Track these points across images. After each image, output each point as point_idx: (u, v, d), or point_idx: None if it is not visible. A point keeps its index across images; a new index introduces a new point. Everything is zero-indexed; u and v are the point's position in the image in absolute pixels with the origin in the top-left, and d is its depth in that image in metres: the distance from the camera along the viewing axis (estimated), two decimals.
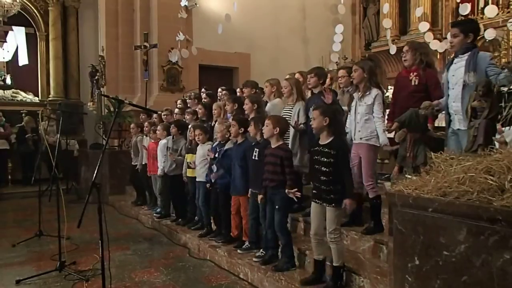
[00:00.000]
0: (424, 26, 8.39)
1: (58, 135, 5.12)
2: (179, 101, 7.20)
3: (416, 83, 3.97)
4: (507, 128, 3.25)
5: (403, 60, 4.17)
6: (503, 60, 7.74)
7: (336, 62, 10.10)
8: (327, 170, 3.21)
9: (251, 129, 4.06)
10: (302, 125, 4.29)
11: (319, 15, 11.17)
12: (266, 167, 3.75)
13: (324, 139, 3.28)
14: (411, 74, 4.00)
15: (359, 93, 3.77)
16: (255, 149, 4.03)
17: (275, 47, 10.52)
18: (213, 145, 4.78)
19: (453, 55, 3.67)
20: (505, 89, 3.53)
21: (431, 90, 3.94)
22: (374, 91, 3.70)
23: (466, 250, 1.88)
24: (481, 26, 7.83)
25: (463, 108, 3.33)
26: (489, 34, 7.46)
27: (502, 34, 7.89)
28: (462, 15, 8.74)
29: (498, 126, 3.04)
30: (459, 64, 3.45)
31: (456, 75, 3.46)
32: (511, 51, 7.99)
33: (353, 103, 3.85)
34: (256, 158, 3.99)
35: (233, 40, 10.07)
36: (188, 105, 6.59)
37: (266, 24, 10.47)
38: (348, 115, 3.99)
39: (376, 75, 3.87)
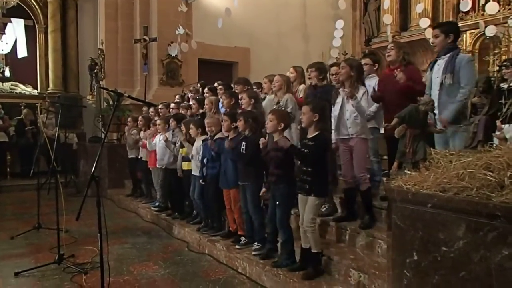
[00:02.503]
0: (424, 22, 8.37)
1: (57, 128, 5.10)
2: (177, 96, 7.19)
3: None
4: (507, 125, 3.26)
5: (386, 56, 4.33)
6: (504, 57, 7.73)
7: (336, 57, 10.07)
8: (308, 161, 3.39)
9: (240, 124, 4.07)
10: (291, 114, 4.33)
11: (319, 10, 11.14)
12: (270, 162, 3.76)
13: (311, 133, 3.45)
14: (396, 70, 4.08)
15: (344, 90, 3.78)
16: (243, 142, 4.04)
17: (275, 41, 10.49)
18: (204, 140, 4.79)
19: (436, 56, 3.80)
20: (505, 86, 3.55)
21: (416, 84, 4.06)
22: (361, 90, 3.77)
23: (465, 246, 1.89)
24: (481, 23, 7.86)
25: (440, 108, 3.48)
26: (490, 31, 7.45)
27: (502, 31, 7.88)
28: (463, 12, 8.75)
29: (498, 122, 3.05)
30: (441, 65, 3.58)
31: (439, 77, 3.57)
32: (511, 47, 7.98)
33: (339, 99, 3.88)
34: (244, 152, 4.01)
35: (233, 35, 10.04)
36: (191, 99, 6.60)
37: (266, 19, 10.43)
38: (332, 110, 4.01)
39: (363, 73, 3.97)
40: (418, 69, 4.52)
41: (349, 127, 3.80)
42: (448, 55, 3.57)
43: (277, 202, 3.71)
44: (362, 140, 3.80)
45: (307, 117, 3.41)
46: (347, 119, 3.80)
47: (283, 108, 4.31)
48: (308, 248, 3.53)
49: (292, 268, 3.54)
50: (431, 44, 3.81)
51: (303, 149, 3.46)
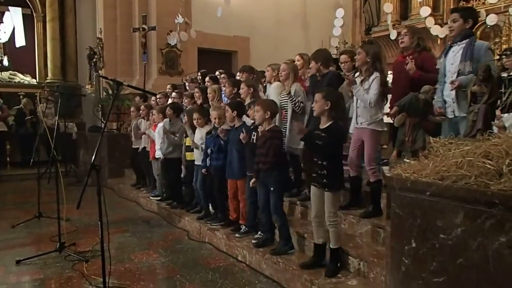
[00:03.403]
0: (425, 11, 8.33)
1: (57, 117, 5.09)
2: (168, 86, 7.13)
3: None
4: (506, 114, 3.26)
5: (400, 42, 4.19)
6: (504, 46, 7.69)
7: (336, 46, 10.04)
8: (323, 154, 3.24)
9: (250, 112, 4.05)
10: (301, 104, 4.31)
11: None
12: (258, 150, 3.78)
13: (324, 123, 3.27)
14: (407, 58, 4.00)
15: (361, 77, 3.71)
16: (254, 132, 4.02)
17: (275, 31, 10.44)
18: (208, 130, 4.77)
19: (450, 42, 3.69)
20: (505, 75, 3.54)
21: (427, 73, 3.93)
22: (374, 74, 3.62)
23: (463, 233, 1.90)
24: (483, 11, 7.81)
25: (459, 95, 3.36)
26: (491, 20, 7.41)
27: (503, 19, 7.84)
28: (464, 0, 8.69)
29: (497, 111, 3.05)
30: (457, 52, 3.48)
31: (454, 63, 3.47)
32: None
33: (355, 87, 3.82)
34: (255, 142, 3.98)
35: (232, 24, 9.99)
36: (187, 88, 6.58)
37: (266, 8, 10.37)
38: (351, 101, 3.98)
39: (381, 60, 3.75)
40: (432, 56, 4.29)
41: (359, 115, 3.72)
42: (465, 41, 3.44)
43: (271, 189, 3.72)
44: (374, 132, 3.67)
45: (319, 105, 3.23)
46: (358, 107, 3.74)
47: (294, 98, 4.28)
48: (321, 244, 3.41)
49: (304, 264, 3.42)
50: (448, 28, 3.69)
51: (316, 141, 3.28)
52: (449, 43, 3.71)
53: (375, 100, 3.57)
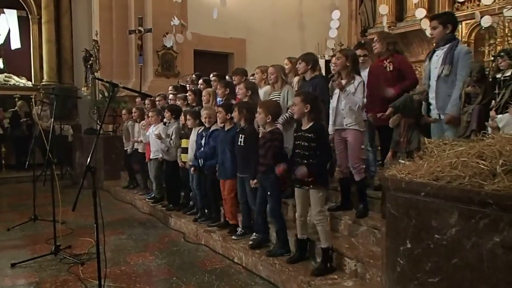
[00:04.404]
0: (420, 12, 8.35)
1: (52, 120, 5.07)
2: (170, 87, 7.15)
3: (391, 68, 4.10)
4: (500, 114, 3.28)
5: (373, 48, 4.31)
6: (499, 47, 7.73)
7: (332, 48, 10.05)
8: (307, 154, 3.31)
9: (235, 114, 4.07)
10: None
11: (315, 0, 11.08)
12: (259, 151, 3.78)
13: (305, 125, 3.38)
14: (385, 61, 4.07)
15: (342, 81, 3.76)
16: (241, 135, 4.04)
17: (271, 33, 10.44)
18: (199, 131, 4.79)
19: (434, 46, 3.80)
20: (500, 75, 3.57)
21: (406, 75, 4.08)
22: (357, 79, 3.74)
23: (457, 233, 1.91)
24: (477, 13, 7.86)
25: (438, 98, 3.49)
26: (485, 21, 7.45)
27: (498, 21, 7.87)
28: (458, 2, 8.75)
29: (491, 112, 3.08)
30: (440, 56, 3.59)
31: (437, 67, 3.58)
32: (507, 38, 7.97)
33: (336, 91, 3.88)
34: (242, 144, 4.01)
35: (228, 26, 9.99)
36: (188, 89, 6.59)
37: (262, 10, 10.38)
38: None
39: (358, 63, 3.95)
40: (406, 59, 4.49)
41: (344, 118, 3.80)
42: (447, 46, 3.56)
43: (269, 193, 3.73)
44: (357, 131, 3.79)
45: (298, 108, 3.36)
46: (342, 109, 3.81)
47: (285, 101, 4.26)
48: (304, 239, 3.55)
49: (291, 260, 3.53)
50: (429, 35, 3.83)
51: (299, 142, 3.38)
52: (433, 47, 3.84)
53: (362, 104, 3.73)
